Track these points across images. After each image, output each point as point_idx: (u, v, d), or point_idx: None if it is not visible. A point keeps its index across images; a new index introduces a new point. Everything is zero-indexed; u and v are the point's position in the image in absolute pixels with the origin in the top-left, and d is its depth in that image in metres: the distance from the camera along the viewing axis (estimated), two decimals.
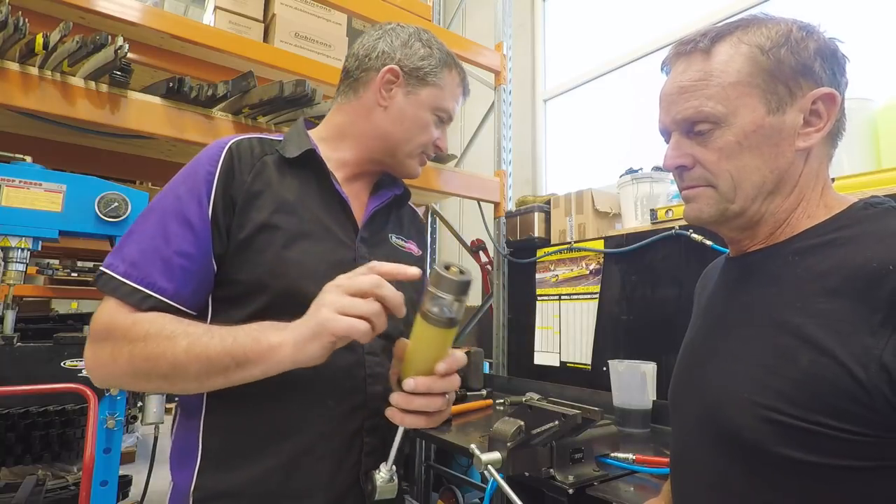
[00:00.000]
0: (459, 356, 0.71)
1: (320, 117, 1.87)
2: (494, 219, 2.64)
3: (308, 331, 0.63)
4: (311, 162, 0.89)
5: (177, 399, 0.84)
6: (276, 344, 0.64)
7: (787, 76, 0.61)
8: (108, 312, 0.73)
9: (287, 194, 0.84)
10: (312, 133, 0.96)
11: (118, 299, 0.73)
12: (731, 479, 0.61)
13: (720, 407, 0.62)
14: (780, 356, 0.57)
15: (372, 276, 0.65)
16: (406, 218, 1.09)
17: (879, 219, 0.58)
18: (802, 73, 0.61)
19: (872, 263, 0.53)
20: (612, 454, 1.28)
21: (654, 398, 1.68)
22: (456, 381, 0.71)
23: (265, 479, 0.75)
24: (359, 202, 0.95)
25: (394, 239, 1.01)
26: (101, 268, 0.75)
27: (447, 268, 0.63)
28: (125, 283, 0.73)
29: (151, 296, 0.73)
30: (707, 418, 0.64)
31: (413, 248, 1.06)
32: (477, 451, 1.13)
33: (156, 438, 1.75)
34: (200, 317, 0.79)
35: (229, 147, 0.87)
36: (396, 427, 0.71)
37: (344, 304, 0.62)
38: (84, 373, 1.43)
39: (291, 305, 0.70)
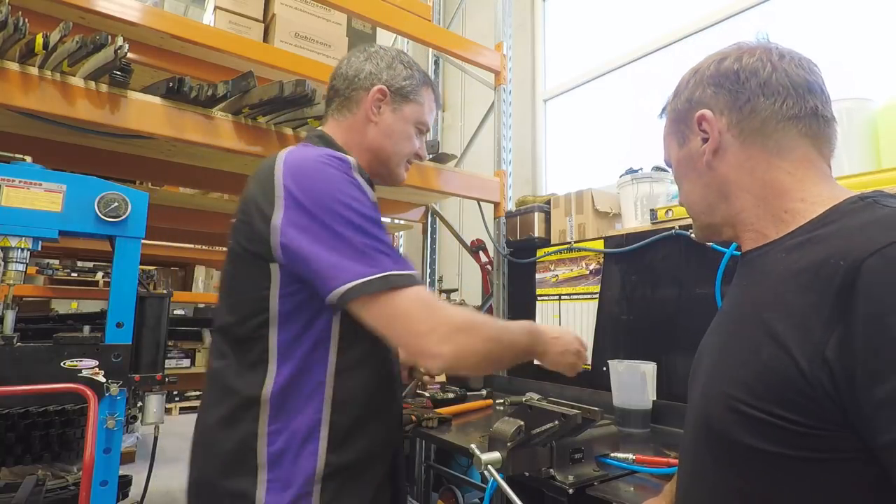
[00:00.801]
0: None
1: (320, 117, 1.87)
2: (494, 219, 2.64)
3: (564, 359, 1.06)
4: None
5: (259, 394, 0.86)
6: (541, 352, 1.03)
7: (682, 116, 0.77)
8: (446, 305, 0.87)
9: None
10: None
11: (420, 286, 0.84)
12: (706, 467, 0.66)
13: (704, 399, 0.67)
14: (750, 350, 0.60)
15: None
16: None
17: (857, 213, 0.60)
18: (690, 107, 0.75)
19: (831, 259, 0.55)
20: (612, 454, 1.28)
21: (654, 398, 1.68)
22: None
23: (371, 449, 0.93)
24: None
25: None
26: (381, 274, 0.80)
27: None
28: (412, 274, 0.84)
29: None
30: (695, 410, 0.70)
31: None
32: (477, 451, 1.13)
33: (156, 438, 1.74)
34: None
35: (352, 164, 0.94)
36: None
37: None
38: (85, 373, 1.43)
39: None
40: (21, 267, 1.41)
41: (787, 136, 0.68)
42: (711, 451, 0.64)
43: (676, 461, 1.16)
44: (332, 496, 0.85)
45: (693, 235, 0.87)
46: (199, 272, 5.60)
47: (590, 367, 2.02)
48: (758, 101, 0.69)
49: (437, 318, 0.82)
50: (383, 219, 3.83)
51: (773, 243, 0.67)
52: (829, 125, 0.69)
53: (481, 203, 2.72)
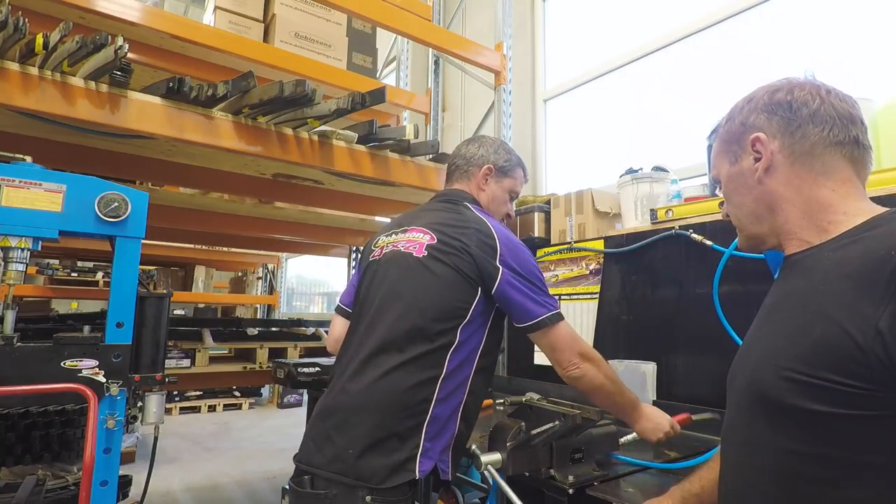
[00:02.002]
0: None
1: (320, 117, 1.88)
2: None
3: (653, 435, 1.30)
4: None
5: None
6: (635, 420, 1.30)
7: (735, 137, 0.88)
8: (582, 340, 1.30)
9: None
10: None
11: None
12: (758, 432, 0.74)
13: (756, 375, 0.76)
14: (801, 328, 0.70)
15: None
16: None
17: None
18: (743, 130, 0.86)
19: (881, 251, 0.65)
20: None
21: (654, 398, 1.69)
22: None
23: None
24: None
25: None
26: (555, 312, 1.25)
27: None
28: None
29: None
30: (747, 387, 0.78)
31: None
32: (477, 451, 1.13)
33: (156, 438, 1.74)
34: None
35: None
36: None
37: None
38: (85, 373, 1.43)
39: None
40: (21, 267, 1.41)
41: (832, 159, 0.79)
42: (767, 418, 0.73)
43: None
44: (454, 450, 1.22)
45: (738, 245, 0.96)
46: (199, 272, 5.60)
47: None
48: (808, 128, 0.80)
49: (577, 347, 1.25)
50: (383, 219, 3.84)
51: (817, 247, 0.77)
52: (868, 153, 0.81)
53: None
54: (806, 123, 0.80)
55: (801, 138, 0.80)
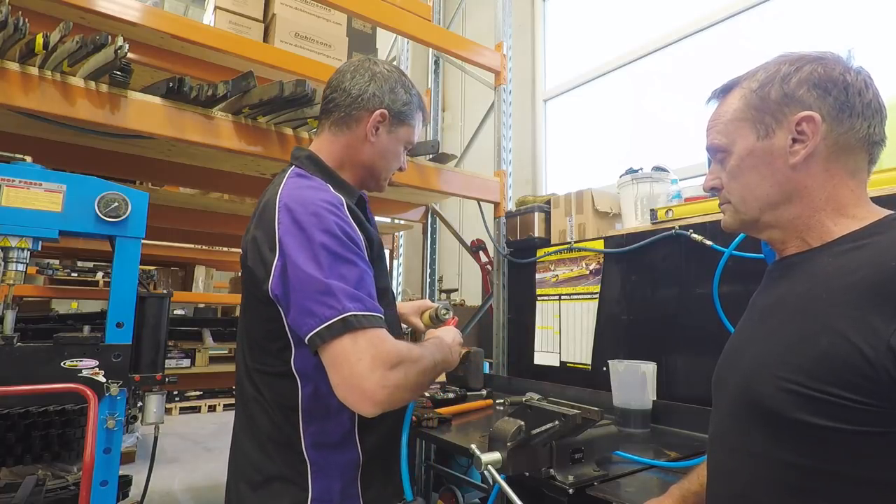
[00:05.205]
0: None
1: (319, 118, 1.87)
2: (494, 219, 2.64)
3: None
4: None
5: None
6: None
7: (772, 107, 0.75)
8: (390, 341, 0.90)
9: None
10: (328, 164, 1.14)
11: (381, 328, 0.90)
12: (754, 442, 0.71)
13: (750, 382, 0.72)
14: (804, 339, 0.66)
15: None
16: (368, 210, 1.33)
17: None
18: (786, 102, 0.73)
19: (891, 263, 0.62)
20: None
21: (654, 398, 1.69)
22: None
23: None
24: None
25: None
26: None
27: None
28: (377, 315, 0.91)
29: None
30: (739, 393, 0.74)
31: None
32: (477, 451, 1.13)
33: (156, 438, 1.74)
34: None
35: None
36: None
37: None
38: (85, 373, 1.43)
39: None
40: (21, 267, 1.41)
41: (861, 159, 0.73)
42: (764, 429, 0.69)
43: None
44: None
45: (723, 223, 0.85)
46: (199, 272, 5.59)
47: (589, 367, 2.02)
48: (856, 121, 0.71)
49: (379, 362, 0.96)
50: (383, 219, 3.82)
51: (816, 250, 0.73)
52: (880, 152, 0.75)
53: (481, 203, 2.72)
54: (857, 115, 0.71)
55: (849, 131, 0.71)
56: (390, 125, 1.14)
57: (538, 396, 1.69)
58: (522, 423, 1.15)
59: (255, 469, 1.01)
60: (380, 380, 0.84)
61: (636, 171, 2.05)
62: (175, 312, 6.18)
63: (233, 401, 6.60)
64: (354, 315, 0.86)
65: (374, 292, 0.94)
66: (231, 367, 3.35)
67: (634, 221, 2.01)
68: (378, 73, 1.14)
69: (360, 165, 1.15)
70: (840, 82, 0.71)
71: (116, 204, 1.47)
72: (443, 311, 1.32)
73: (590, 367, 2.03)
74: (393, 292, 1.24)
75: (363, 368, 0.84)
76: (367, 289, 0.92)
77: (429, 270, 3.53)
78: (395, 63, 4.18)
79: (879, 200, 0.80)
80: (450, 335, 1.18)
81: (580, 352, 2.09)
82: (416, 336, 1.44)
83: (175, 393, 6.09)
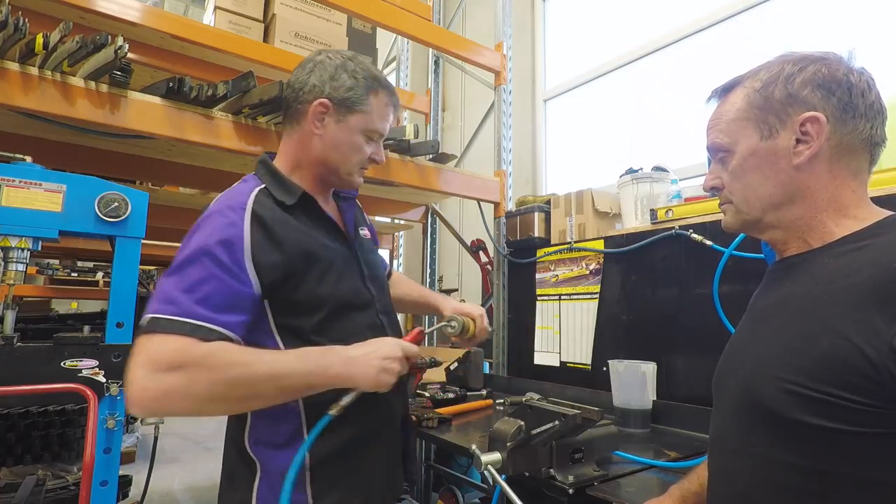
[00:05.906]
0: None
1: None
2: (494, 219, 2.64)
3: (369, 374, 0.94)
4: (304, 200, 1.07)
5: None
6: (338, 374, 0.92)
7: (775, 107, 0.74)
8: (174, 343, 0.83)
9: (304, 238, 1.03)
10: (279, 167, 1.11)
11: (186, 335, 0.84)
12: (755, 443, 0.71)
13: (751, 382, 0.72)
14: (805, 340, 0.66)
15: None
16: (358, 210, 1.29)
17: None
18: (790, 102, 0.73)
19: (893, 263, 0.62)
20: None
21: (654, 398, 1.68)
22: None
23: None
24: (332, 211, 1.16)
25: (361, 232, 1.23)
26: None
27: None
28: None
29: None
30: (740, 394, 0.74)
31: (369, 234, 1.28)
32: (477, 451, 1.13)
33: (156, 438, 1.75)
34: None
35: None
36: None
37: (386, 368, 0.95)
38: (85, 373, 1.43)
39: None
40: (21, 267, 1.41)
41: (863, 160, 0.74)
42: (766, 430, 0.69)
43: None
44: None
45: (724, 224, 0.84)
46: None
47: (589, 367, 2.02)
48: (859, 122, 0.72)
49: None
50: (383, 219, 3.82)
51: (817, 251, 0.73)
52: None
53: (481, 203, 2.72)
54: (860, 116, 0.71)
55: (852, 132, 0.71)
56: (337, 114, 1.07)
57: (538, 396, 1.69)
58: (522, 423, 1.15)
59: (225, 463, 1.07)
60: (144, 381, 0.80)
61: (636, 171, 2.05)
62: None
63: None
64: (156, 317, 0.85)
65: (219, 300, 0.88)
66: None
67: (634, 221, 2.01)
68: (319, 63, 1.09)
69: (314, 162, 1.10)
70: (844, 83, 0.72)
71: (116, 204, 1.47)
72: (449, 329, 1.23)
73: (590, 367, 2.03)
74: (373, 295, 1.14)
75: (133, 368, 0.82)
76: (202, 294, 0.87)
77: (429, 270, 3.53)
78: (394, 63, 4.18)
79: (879, 200, 0.79)
80: (366, 348, 0.96)
81: (580, 352, 2.09)
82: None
83: None
